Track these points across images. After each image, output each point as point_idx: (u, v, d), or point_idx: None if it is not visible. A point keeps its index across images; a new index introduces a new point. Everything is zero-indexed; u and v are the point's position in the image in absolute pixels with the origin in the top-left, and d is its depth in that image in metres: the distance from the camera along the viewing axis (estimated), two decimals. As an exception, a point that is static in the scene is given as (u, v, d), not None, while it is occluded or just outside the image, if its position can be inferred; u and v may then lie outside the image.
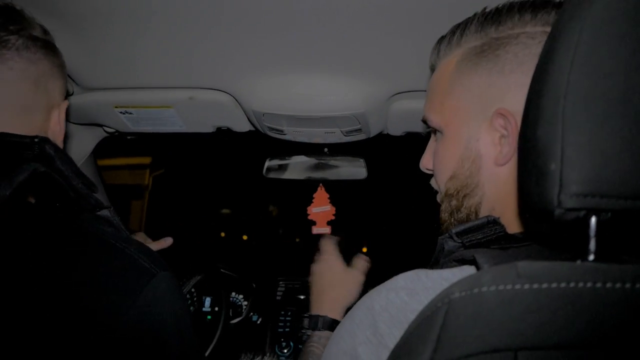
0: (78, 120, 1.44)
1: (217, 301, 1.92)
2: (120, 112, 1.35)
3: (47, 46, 0.85)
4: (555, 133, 0.39)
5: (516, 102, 0.61)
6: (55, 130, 0.85)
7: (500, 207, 0.65)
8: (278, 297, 2.00)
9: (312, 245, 1.29)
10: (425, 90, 1.13)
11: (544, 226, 0.50)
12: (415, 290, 0.57)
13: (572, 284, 0.37)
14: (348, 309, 1.06)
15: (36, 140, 0.72)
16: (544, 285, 0.37)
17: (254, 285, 2.02)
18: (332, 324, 1.04)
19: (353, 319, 0.62)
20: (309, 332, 1.04)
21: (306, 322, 1.08)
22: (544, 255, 0.53)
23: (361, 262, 1.19)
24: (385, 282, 0.62)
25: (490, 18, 0.67)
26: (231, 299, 1.97)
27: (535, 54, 0.61)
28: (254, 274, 2.07)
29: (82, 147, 1.57)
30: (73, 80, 1.25)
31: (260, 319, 1.94)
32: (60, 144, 0.86)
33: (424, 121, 0.77)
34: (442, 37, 0.75)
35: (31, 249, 0.65)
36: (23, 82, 0.78)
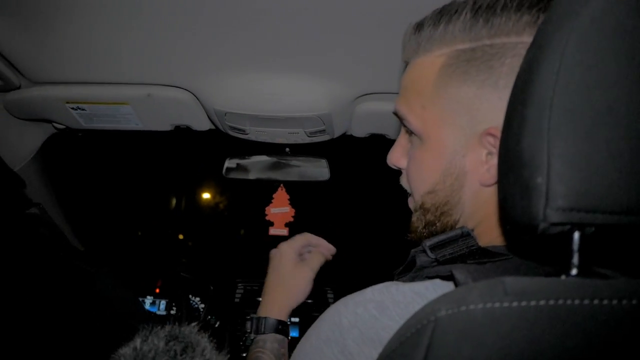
0: (25, 116, 1.35)
1: (173, 304, 1.87)
2: (72, 108, 1.27)
3: None
4: (541, 145, 0.38)
5: None
6: None
7: (475, 224, 0.63)
8: (237, 300, 1.96)
9: (270, 246, 1.22)
10: (391, 93, 1.13)
11: (525, 239, 0.49)
12: (384, 304, 0.54)
13: (560, 301, 0.36)
14: (297, 309, 1.01)
15: None
16: (533, 303, 0.36)
17: (212, 288, 1.96)
18: (277, 326, 0.96)
19: (319, 335, 0.58)
20: (252, 336, 0.97)
21: (248, 325, 0.98)
22: (522, 270, 0.52)
23: (315, 258, 1.06)
24: (353, 295, 0.59)
25: (481, 15, 0.58)
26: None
27: None
28: (212, 276, 2.01)
29: (28, 143, 1.47)
30: (20, 73, 1.16)
31: (218, 322, 1.89)
32: None
33: (396, 114, 0.70)
34: (420, 25, 0.64)
35: None
36: None
